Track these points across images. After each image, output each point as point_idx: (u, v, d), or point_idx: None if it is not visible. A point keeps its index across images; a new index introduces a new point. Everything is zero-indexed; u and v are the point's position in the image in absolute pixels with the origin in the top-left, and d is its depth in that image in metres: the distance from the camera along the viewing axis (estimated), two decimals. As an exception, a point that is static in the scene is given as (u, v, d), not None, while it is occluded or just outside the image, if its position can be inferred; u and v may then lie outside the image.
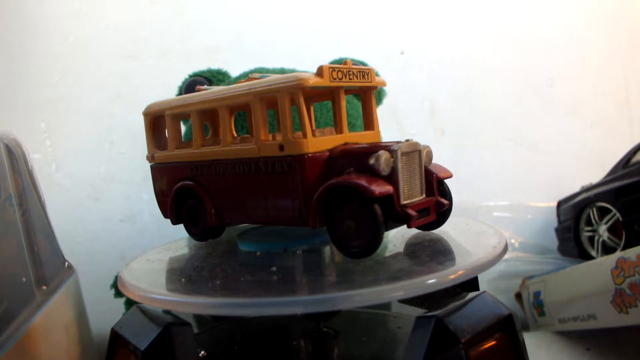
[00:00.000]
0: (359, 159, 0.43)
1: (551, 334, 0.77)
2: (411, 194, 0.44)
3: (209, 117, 0.59)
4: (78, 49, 0.95)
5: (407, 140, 0.44)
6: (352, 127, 0.65)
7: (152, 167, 0.59)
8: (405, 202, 0.43)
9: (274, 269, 0.44)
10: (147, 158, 0.59)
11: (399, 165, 0.43)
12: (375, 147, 0.44)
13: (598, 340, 0.72)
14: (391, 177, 0.42)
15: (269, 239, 0.53)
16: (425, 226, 0.49)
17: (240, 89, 0.49)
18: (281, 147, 0.46)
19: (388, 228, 0.43)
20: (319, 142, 0.46)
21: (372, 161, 0.42)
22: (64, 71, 0.94)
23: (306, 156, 0.44)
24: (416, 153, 0.45)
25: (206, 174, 0.52)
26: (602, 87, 1.16)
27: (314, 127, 0.58)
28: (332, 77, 0.46)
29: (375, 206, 0.40)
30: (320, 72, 0.45)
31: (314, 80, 0.44)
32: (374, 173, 0.42)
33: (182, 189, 0.55)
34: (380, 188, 0.40)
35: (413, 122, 1.06)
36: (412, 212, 0.42)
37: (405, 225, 0.43)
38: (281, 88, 0.45)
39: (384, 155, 0.42)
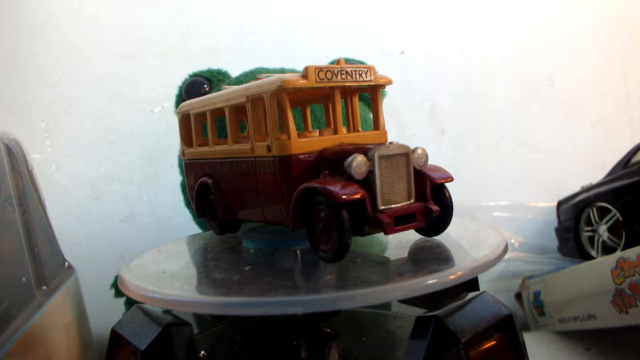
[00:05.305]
0: (339, 161, 0.42)
1: (551, 334, 0.77)
2: (392, 199, 0.42)
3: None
4: (78, 49, 0.95)
5: (390, 143, 0.43)
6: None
7: (184, 163, 0.62)
8: (382, 207, 0.41)
9: (248, 267, 0.45)
10: (180, 154, 0.62)
11: (377, 170, 0.41)
12: (355, 150, 0.42)
13: (598, 340, 0.72)
14: (367, 182, 0.41)
15: (267, 237, 0.53)
16: (425, 231, 0.48)
17: (238, 90, 0.49)
18: (268, 148, 0.46)
19: (365, 234, 0.42)
20: (308, 143, 0.45)
21: (345, 165, 0.41)
22: (64, 71, 0.94)
23: (291, 157, 0.44)
24: (402, 156, 0.43)
25: (218, 171, 0.54)
26: (602, 87, 1.16)
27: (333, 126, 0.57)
28: (318, 77, 0.45)
29: (343, 211, 0.39)
30: (305, 73, 0.45)
31: (297, 82, 0.44)
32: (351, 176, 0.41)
33: (203, 185, 0.56)
34: (349, 193, 0.39)
35: (413, 122, 1.06)
36: (385, 218, 0.40)
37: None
38: (266, 90, 0.45)
39: (356, 159, 0.41)
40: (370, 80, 0.49)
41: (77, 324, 0.62)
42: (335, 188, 0.39)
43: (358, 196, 0.40)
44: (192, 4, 0.99)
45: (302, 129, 0.60)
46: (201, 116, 0.57)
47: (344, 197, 0.39)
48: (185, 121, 0.59)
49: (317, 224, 0.42)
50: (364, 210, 0.41)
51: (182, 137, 0.61)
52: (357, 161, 0.41)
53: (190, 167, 0.60)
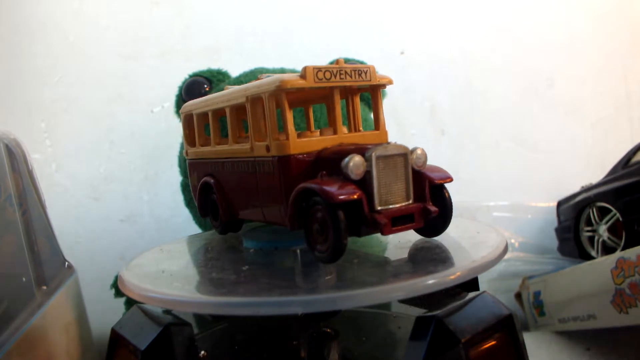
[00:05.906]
0: (337, 161, 0.42)
1: (551, 334, 0.77)
2: (389, 199, 0.42)
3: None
4: (78, 49, 0.95)
5: (388, 143, 0.43)
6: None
7: (187, 163, 0.62)
8: (380, 208, 0.41)
9: (245, 267, 0.45)
10: (184, 153, 0.63)
11: (374, 170, 0.41)
12: (353, 150, 0.42)
13: (598, 340, 0.72)
14: (364, 182, 0.41)
15: (267, 237, 0.53)
16: (425, 232, 0.48)
17: (239, 90, 0.49)
18: (267, 148, 0.46)
19: (362, 234, 0.42)
20: (306, 143, 0.45)
21: (342, 165, 0.41)
22: (64, 71, 0.94)
23: (290, 157, 0.44)
24: (399, 157, 0.43)
25: (220, 171, 0.54)
26: (602, 87, 1.16)
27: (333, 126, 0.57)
28: (317, 77, 0.45)
29: (339, 212, 0.39)
30: (303, 73, 0.44)
31: (296, 82, 0.44)
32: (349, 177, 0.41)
33: (205, 184, 0.57)
34: (345, 193, 0.39)
35: (413, 122, 1.06)
36: (382, 219, 0.40)
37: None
38: (265, 90, 0.45)
39: (353, 159, 0.41)
40: (370, 80, 0.49)
41: (77, 324, 0.62)
42: (332, 188, 0.39)
43: (355, 197, 0.40)
44: (192, 4, 0.99)
45: (304, 129, 0.60)
46: (203, 116, 0.57)
47: (340, 197, 0.39)
48: (188, 121, 0.60)
49: (313, 224, 0.42)
50: (361, 210, 0.40)
51: (185, 137, 0.61)
52: (354, 161, 0.41)
53: (193, 167, 0.61)
